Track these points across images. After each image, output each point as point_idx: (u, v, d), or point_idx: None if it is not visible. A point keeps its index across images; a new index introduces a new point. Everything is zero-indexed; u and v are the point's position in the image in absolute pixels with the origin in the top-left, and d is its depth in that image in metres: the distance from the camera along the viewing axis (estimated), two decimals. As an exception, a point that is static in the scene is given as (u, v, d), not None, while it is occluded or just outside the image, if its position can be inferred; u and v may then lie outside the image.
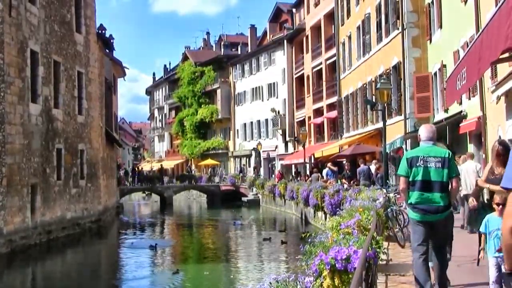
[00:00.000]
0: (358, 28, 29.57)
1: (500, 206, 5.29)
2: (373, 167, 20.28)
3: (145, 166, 68.73)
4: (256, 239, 23.98)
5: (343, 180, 22.17)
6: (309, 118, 41.01)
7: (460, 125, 16.99)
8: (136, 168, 53.75)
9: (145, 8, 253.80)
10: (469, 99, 17.01)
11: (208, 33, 73.08)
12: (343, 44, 33.18)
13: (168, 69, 75.66)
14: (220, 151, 56.60)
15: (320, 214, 22.92)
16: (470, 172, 11.53)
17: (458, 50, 17.37)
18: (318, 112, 39.51)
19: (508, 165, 2.71)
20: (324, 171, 26.56)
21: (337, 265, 4.51)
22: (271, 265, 17.25)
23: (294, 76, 44.78)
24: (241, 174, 46.44)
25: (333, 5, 34.86)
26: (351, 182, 21.21)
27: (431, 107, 20.82)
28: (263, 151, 47.64)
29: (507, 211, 2.58)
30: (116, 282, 16.40)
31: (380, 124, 21.62)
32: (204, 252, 21.19)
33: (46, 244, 21.20)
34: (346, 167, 23.48)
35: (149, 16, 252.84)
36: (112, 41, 34.18)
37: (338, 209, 13.37)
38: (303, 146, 33.36)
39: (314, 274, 4.63)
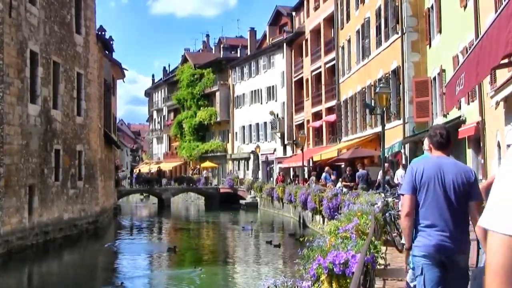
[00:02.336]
0: (358, 32, 29.59)
1: None
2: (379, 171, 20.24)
3: (143, 168, 68.65)
4: (258, 242, 23.86)
5: (344, 182, 22.14)
6: (308, 121, 41.00)
7: (459, 130, 16.98)
8: (135, 170, 53.63)
9: (144, 10, 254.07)
10: (468, 104, 17.02)
11: (207, 36, 73.20)
12: (343, 47, 33.21)
13: (168, 71, 75.66)
14: (219, 153, 56.53)
15: (318, 217, 22.92)
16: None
17: (457, 55, 17.38)
18: (317, 116, 39.50)
19: (405, 178, 4.20)
20: (322, 175, 26.53)
21: (335, 270, 4.50)
22: (269, 268, 17.21)
23: (293, 80, 44.78)
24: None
25: (333, 8, 34.90)
26: (352, 185, 21.26)
27: (430, 112, 20.81)
28: (261, 154, 47.59)
29: (402, 207, 4.35)
30: (113, 284, 16.36)
31: (379, 128, 21.62)
32: (202, 255, 21.11)
33: (43, 245, 21.14)
34: (347, 171, 23.50)
35: (147, 18, 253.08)
36: (111, 42, 34.17)
37: (336, 213, 13.38)
38: (302, 150, 33.34)
39: (312, 279, 4.62)
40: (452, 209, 4.04)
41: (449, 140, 4.38)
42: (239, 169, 53.40)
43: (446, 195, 4.07)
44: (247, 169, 50.59)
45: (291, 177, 39.62)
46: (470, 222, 4.15)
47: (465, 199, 4.07)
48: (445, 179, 4.10)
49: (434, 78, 20.53)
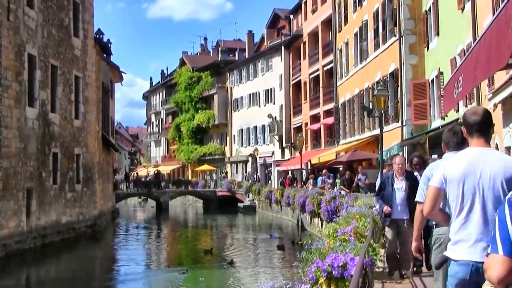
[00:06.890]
0: (356, 34, 29.62)
1: None
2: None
3: (141, 171, 68.57)
4: (260, 245, 23.73)
5: (342, 186, 22.08)
6: (306, 124, 41.01)
7: (457, 132, 16.97)
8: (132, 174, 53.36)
9: (140, 13, 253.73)
10: (466, 106, 17.03)
11: (205, 39, 73.16)
12: (340, 50, 33.23)
13: (165, 74, 75.65)
14: (217, 156, 56.50)
15: (316, 220, 22.90)
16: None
17: (455, 58, 17.41)
18: (315, 118, 39.51)
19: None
20: (320, 178, 26.48)
21: (333, 272, 4.49)
22: (268, 271, 17.17)
23: (291, 82, 44.81)
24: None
25: (331, 11, 34.94)
26: (350, 188, 21.20)
27: (428, 114, 20.84)
28: (259, 157, 47.53)
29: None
30: (111, 286, 16.34)
31: (377, 131, 21.61)
32: (201, 257, 21.01)
33: (41, 249, 21.10)
34: (346, 174, 23.45)
35: (144, 21, 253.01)
36: (109, 45, 34.16)
37: (334, 215, 13.36)
38: (300, 152, 33.32)
39: (311, 281, 4.61)
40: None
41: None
42: (237, 172, 53.38)
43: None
44: (245, 172, 50.54)
45: (289, 180, 39.58)
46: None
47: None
48: None
49: (432, 81, 20.56)
